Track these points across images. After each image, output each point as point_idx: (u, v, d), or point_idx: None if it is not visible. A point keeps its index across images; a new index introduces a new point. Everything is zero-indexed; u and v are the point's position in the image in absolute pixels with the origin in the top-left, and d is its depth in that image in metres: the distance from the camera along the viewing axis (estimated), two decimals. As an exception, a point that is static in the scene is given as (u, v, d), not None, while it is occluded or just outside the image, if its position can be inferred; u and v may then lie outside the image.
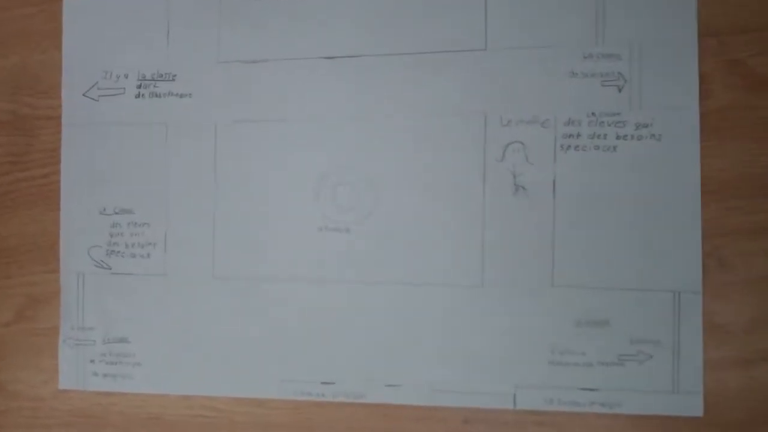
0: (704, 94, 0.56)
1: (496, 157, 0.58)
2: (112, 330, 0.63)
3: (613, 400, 0.56)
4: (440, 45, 0.59)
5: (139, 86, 0.63)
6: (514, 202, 0.57)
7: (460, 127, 0.58)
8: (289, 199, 0.60)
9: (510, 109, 0.58)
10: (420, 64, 0.59)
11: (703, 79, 0.56)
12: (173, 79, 0.62)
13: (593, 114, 0.57)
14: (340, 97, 0.60)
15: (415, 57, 0.59)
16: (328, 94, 0.60)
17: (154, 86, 0.63)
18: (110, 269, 0.63)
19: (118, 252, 0.63)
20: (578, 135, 0.57)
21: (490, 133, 0.58)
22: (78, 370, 0.64)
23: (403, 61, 0.59)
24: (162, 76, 0.62)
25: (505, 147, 0.58)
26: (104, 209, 0.63)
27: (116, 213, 0.63)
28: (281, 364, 0.61)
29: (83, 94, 0.64)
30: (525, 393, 0.57)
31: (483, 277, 0.58)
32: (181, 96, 0.62)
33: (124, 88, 0.63)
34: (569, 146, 0.57)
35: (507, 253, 0.58)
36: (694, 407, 0.55)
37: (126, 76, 0.63)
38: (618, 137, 0.57)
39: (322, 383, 0.60)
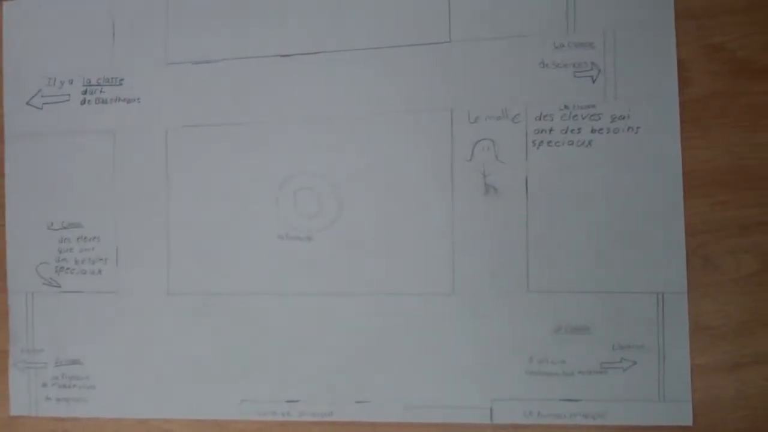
0: (684, 82, 0.52)
1: (464, 156, 0.55)
2: (64, 351, 0.60)
3: (596, 410, 0.53)
4: (401, 38, 0.56)
5: (85, 92, 0.60)
6: (484, 203, 0.54)
7: (426, 126, 0.55)
8: (246, 207, 0.57)
9: (478, 105, 0.55)
10: (381, 59, 0.56)
11: (681, 65, 0.52)
12: (120, 84, 0.59)
13: (566, 107, 0.54)
14: (297, 96, 0.57)
15: (375, 52, 0.56)
16: (285, 94, 0.57)
17: (101, 91, 0.59)
18: (60, 287, 0.60)
19: (68, 269, 0.60)
20: (551, 130, 0.54)
21: (457, 130, 0.55)
22: (30, 394, 0.60)
23: (362, 57, 0.56)
24: (108, 80, 0.59)
25: (474, 145, 0.55)
26: (51, 224, 0.60)
27: (64, 227, 0.60)
28: (242, 383, 0.58)
29: (26, 103, 0.61)
30: (502, 406, 0.54)
31: (454, 284, 0.54)
32: (129, 101, 0.59)
33: (69, 95, 0.60)
34: (541, 142, 0.54)
35: (479, 257, 0.54)
36: (683, 416, 0.52)
37: (71, 82, 0.60)
38: (593, 131, 0.54)
39: (287, 402, 0.57)
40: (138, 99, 0.59)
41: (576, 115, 0.54)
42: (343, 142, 0.56)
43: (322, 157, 0.56)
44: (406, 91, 0.56)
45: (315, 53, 0.57)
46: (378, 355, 0.56)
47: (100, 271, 0.60)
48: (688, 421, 0.53)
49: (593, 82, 0.54)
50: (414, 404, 0.56)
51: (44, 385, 0.61)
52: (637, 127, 0.54)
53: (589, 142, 0.54)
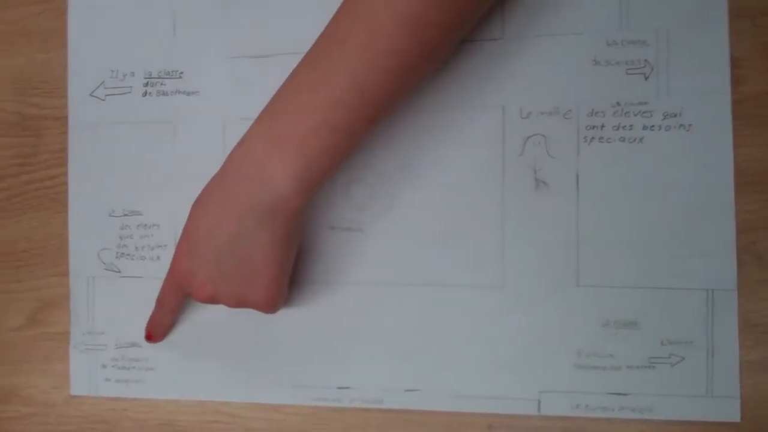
0: (737, 80, 0.53)
1: (515, 151, 0.56)
2: (124, 334, 0.63)
3: (643, 404, 0.55)
4: (456, 34, 0.57)
5: (146, 84, 0.62)
6: (535, 197, 0.56)
7: (477, 121, 0.57)
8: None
9: (529, 101, 0.56)
10: (435, 54, 0.57)
11: (735, 63, 0.53)
12: (180, 77, 0.62)
13: (618, 104, 0.55)
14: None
15: (429, 47, 0.57)
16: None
17: (161, 84, 0.62)
18: (120, 272, 0.63)
19: (128, 255, 0.62)
20: (602, 126, 0.55)
21: (508, 125, 0.56)
22: (90, 375, 0.63)
23: (417, 52, 0.57)
24: (169, 73, 0.62)
25: (525, 140, 0.56)
26: (113, 211, 0.63)
27: (125, 215, 0.62)
28: (294, 369, 0.60)
29: (90, 94, 0.63)
30: (550, 398, 0.56)
31: (504, 277, 0.56)
32: (189, 93, 0.62)
33: (131, 87, 0.63)
34: (593, 138, 0.55)
35: (529, 251, 0.56)
36: (731, 412, 0.53)
37: (132, 75, 0.62)
38: (645, 128, 0.55)
39: (338, 388, 0.59)
40: (197, 92, 0.62)
41: (628, 112, 0.55)
42: (395, 136, 0.58)
43: (374, 151, 0.58)
44: (458, 86, 0.58)
45: (370, 48, 0.59)
46: (428, 345, 0.58)
47: (158, 258, 0.62)
48: (736, 418, 0.54)
49: (645, 79, 0.55)
50: (462, 394, 0.58)
51: (104, 366, 0.64)
52: (689, 125, 0.55)
53: (641, 139, 0.55)
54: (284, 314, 0.60)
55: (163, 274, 0.61)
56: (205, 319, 0.61)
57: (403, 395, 0.58)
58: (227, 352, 0.61)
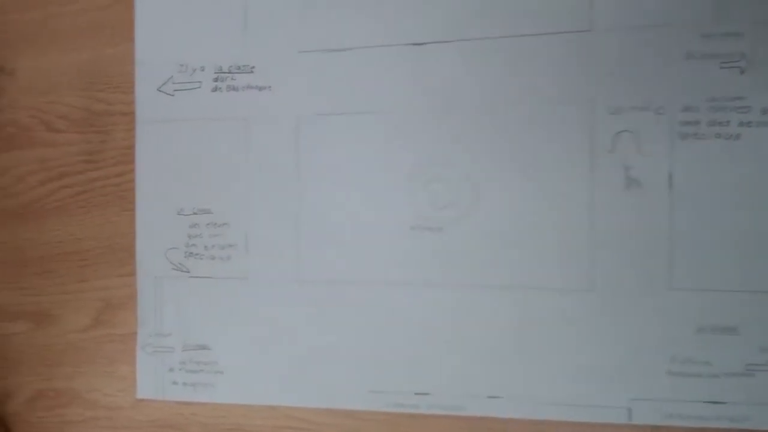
0: (840, 74, 0.51)
1: (605, 147, 0.54)
2: (192, 336, 0.61)
3: (741, 414, 0.52)
4: (540, 27, 0.56)
5: (216, 79, 0.61)
6: (626, 197, 0.54)
7: (565, 116, 0.55)
8: (378, 196, 0.57)
9: (620, 96, 0.54)
10: (518, 48, 0.56)
11: (839, 56, 0.51)
12: (251, 71, 0.60)
13: (713, 99, 0.53)
14: (431, 85, 0.57)
15: (512, 40, 0.56)
16: (418, 83, 0.57)
17: (232, 79, 0.60)
18: (189, 272, 0.61)
19: (197, 254, 0.61)
20: (696, 122, 0.53)
21: (598, 121, 0.54)
22: (157, 378, 0.62)
23: (499, 46, 0.56)
24: (240, 68, 0.60)
25: (615, 137, 0.54)
26: (182, 209, 0.61)
27: (194, 213, 0.61)
28: (371, 373, 0.58)
29: (158, 89, 0.62)
30: (641, 406, 0.53)
31: (593, 280, 0.54)
32: (260, 89, 0.60)
33: (200, 82, 0.61)
34: (687, 135, 0.53)
35: (619, 253, 0.54)
36: (834, 423, 0.51)
37: (202, 69, 0.61)
38: (741, 124, 0.52)
39: (416, 394, 0.57)
40: (269, 87, 0.60)
41: (723, 108, 0.53)
42: (478, 132, 0.56)
43: (457, 147, 0.57)
44: (545, 80, 0.56)
45: (449, 41, 0.57)
46: (511, 350, 0.56)
47: (229, 257, 0.61)
48: (841, 428, 0.51)
49: (742, 73, 0.53)
50: (548, 401, 0.55)
51: (171, 369, 0.62)
52: (789, 121, 0.52)
53: (737, 136, 0.53)
54: (360, 316, 0.58)
55: (233, 275, 0.59)
56: (276, 321, 0.60)
57: (486, 402, 0.56)
58: (299, 355, 0.60)
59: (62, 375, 0.65)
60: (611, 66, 0.55)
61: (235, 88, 0.61)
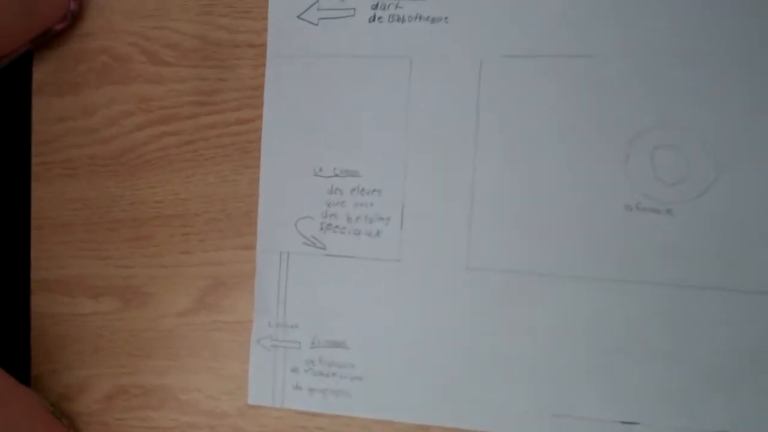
0: None
1: None
2: (325, 330, 0.49)
3: None
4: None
5: (375, 6, 0.48)
6: None
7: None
8: (581, 166, 0.44)
9: None
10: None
11: None
12: (422, -2, 0.47)
13: None
14: (659, 25, 0.43)
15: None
16: (641, 20, 0.44)
17: (396, 6, 0.48)
18: (324, 249, 0.49)
19: (337, 227, 0.48)
20: None
21: None
22: (275, 380, 0.50)
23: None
24: (408, -8, 0.47)
25: None
26: (320, 169, 0.49)
27: (336, 175, 0.48)
28: (556, 392, 0.46)
29: (298, 16, 0.50)
30: None
31: None
32: (434, 20, 0.48)
33: (354, 9, 0.49)
34: None
35: None
36: None
37: (357, -8, 0.48)
38: None
39: (622, 423, 0.44)
40: (445, 18, 0.48)
41: None
42: (723, 88, 0.43)
43: (693, 104, 0.44)
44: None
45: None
46: (749, 374, 0.43)
47: (378, 233, 0.48)
48: None
49: None
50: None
51: (294, 370, 0.50)
52: None
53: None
54: (544, 317, 0.47)
55: (382, 255, 0.46)
56: (434, 317, 0.49)
57: None
58: (462, 363, 0.48)
59: (152, 369, 0.52)
60: None
61: (399, 19, 0.48)
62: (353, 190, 0.50)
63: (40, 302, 0.55)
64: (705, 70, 0.44)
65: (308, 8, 0.50)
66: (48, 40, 0.53)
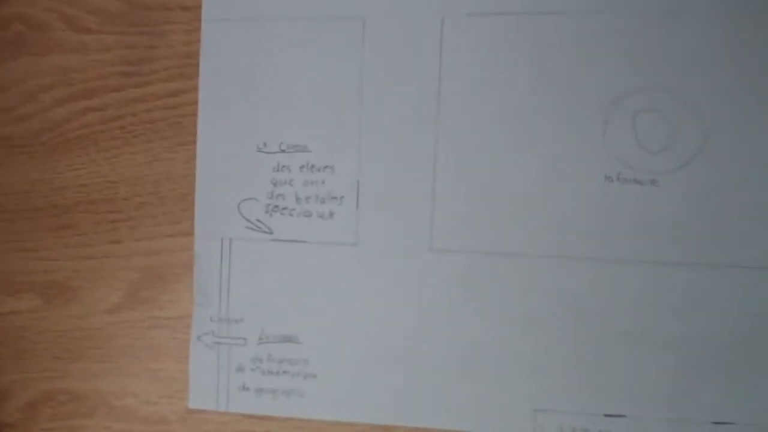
0: None
1: None
2: (274, 324, 0.44)
3: None
4: None
5: (323, -39, 0.42)
6: None
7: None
8: (555, 133, 0.40)
9: None
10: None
11: None
12: (375, -50, 0.42)
13: None
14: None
15: None
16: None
17: (346, -39, 0.42)
18: (271, 233, 0.44)
19: (285, 209, 0.43)
20: None
21: None
22: (219, 381, 0.45)
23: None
24: (358, -56, 0.42)
25: None
26: (264, 144, 0.44)
27: (282, 151, 0.43)
28: (535, 385, 0.41)
29: (235, -27, 0.43)
30: None
31: None
32: (387, -25, 0.42)
33: (299, -36, 0.43)
34: None
35: None
36: None
37: (302, -55, 0.43)
38: None
39: (605, 416, 0.40)
40: (400, -27, 0.42)
41: None
42: (706, 45, 0.39)
43: (677, 64, 0.39)
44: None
45: None
46: (745, 359, 0.39)
47: (331, 214, 0.43)
48: None
49: None
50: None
51: (240, 369, 0.45)
52: None
53: None
54: (517, 301, 0.42)
55: (336, 239, 0.41)
56: (396, 305, 0.44)
57: (702, 429, 0.39)
58: (428, 354, 0.43)
59: (81, 372, 0.47)
60: None
61: (349, -25, 0.43)
62: (302, 167, 0.45)
63: (-47, 302, 0.49)
64: (690, 28, 0.40)
65: (247, -36, 0.45)
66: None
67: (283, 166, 0.45)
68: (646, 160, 0.41)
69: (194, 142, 0.46)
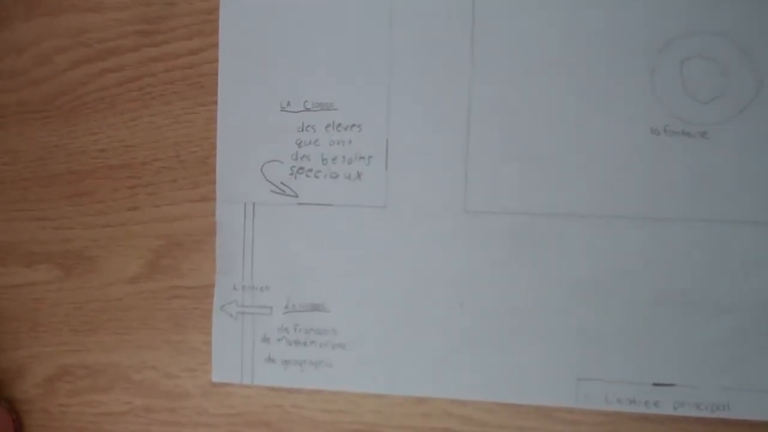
0: None
1: None
2: (300, 292, 0.42)
3: None
4: None
5: None
6: None
7: None
8: (598, 83, 0.37)
9: None
10: None
11: None
12: None
13: None
14: None
15: None
16: None
17: None
18: (297, 197, 0.42)
19: (310, 170, 0.41)
20: None
21: None
22: (243, 353, 0.43)
23: None
24: None
25: None
26: (288, 103, 0.42)
27: (307, 109, 0.41)
28: (580, 353, 0.39)
29: (257, -76, 0.42)
30: None
31: None
32: None
33: None
34: None
35: None
36: None
37: None
38: None
39: (654, 385, 0.38)
40: None
41: None
42: None
43: (728, 6, 0.36)
44: None
45: None
46: None
47: (359, 176, 0.41)
48: None
49: None
50: None
51: (265, 340, 0.43)
52: None
53: None
54: (561, 266, 0.40)
55: (365, 201, 0.39)
56: (429, 271, 0.42)
57: (758, 398, 0.37)
58: (465, 324, 0.40)
59: (100, 345, 0.45)
60: None
61: None
62: (328, 126, 0.43)
63: (-33, 275, 0.48)
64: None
65: None
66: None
67: (308, 126, 0.43)
68: (696, 111, 0.39)
69: (215, 103, 0.44)
